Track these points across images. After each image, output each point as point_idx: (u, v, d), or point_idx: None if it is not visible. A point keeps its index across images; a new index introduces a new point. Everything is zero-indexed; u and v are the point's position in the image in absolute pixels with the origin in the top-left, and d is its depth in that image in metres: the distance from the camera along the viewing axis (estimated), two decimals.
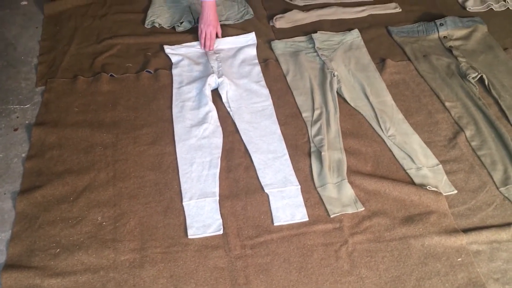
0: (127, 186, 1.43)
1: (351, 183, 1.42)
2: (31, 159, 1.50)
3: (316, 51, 1.86)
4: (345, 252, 1.27)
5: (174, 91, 1.73)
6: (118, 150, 1.53)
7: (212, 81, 1.72)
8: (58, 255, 1.27)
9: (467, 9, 2.11)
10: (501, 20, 2.05)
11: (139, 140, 1.57)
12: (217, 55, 1.86)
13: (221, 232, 1.32)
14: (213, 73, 1.74)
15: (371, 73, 1.78)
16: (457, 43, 1.91)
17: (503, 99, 1.67)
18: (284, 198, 1.40)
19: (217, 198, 1.40)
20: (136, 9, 2.13)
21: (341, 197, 1.39)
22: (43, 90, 1.74)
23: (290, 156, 1.51)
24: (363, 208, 1.37)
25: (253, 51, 1.90)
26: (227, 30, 1.97)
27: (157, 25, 2.03)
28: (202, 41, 1.88)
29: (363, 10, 2.11)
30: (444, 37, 1.93)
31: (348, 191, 1.40)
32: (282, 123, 1.62)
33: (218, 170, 1.47)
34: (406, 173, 1.46)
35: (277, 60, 1.86)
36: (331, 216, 1.35)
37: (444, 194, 1.39)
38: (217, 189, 1.42)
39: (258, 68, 1.82)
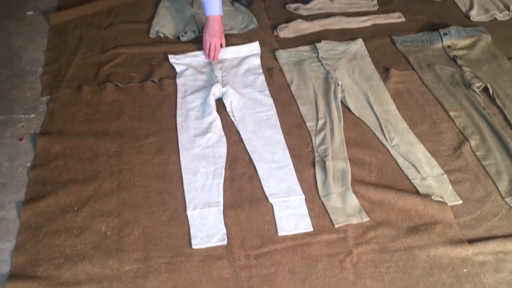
0: (131, 196, 1.43)
1: (355, 193, 1.42)
2: (36, 168, 1.51)
3: (320, 61, 1.86)
4: (349, 263, 1.27)
5: (179, 100, 1.73)
6: (123, 160, 1.53)
7: (216, 91, 1.72)
8: (62, 265, 1.27)
9: (471, 18, 2.12)
10: (505, 29, 2.05)
11: (143, 149, 1.57)
12: (221, 64, 1.87)
13: (225, 242, 1.32)
14: (217, 82, 1.75)
15: (375, 83, 1.78)
16: (461, 52, 1.91)
17: (507, 108, 1.67)
18: (288, 208, 1.40)
19: (221, 207, 1.40)
20: (141, 19, 2.14)
21: (346, 207, 1.39)
22: (48, 100, 1.75)
23: (294, 166, 1.51)
24: (368, 218, 1.36)
25: (257, 61, 1.90)
26: (231, 40, 1.98)
27: (161, 35, 2.04)
28: (207, 51, 1.89)
29: (367, 20, 2.11)
30: (448, 46, 1.94)
31: (353, 201, 1.40)
32: (286, 132, 1.62)
33: (222, 180, 1.47)
34: (411, 183, 1.46)
35: (281, 70, 1.87)
36: (336, 226, 1.35)
37: (449, 204, 1.39)
38: (221, 199, 1.42)
39: (262, 78, 1.83)
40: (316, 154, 1.54)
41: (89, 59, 1.93)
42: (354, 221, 1.35)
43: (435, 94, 1.75)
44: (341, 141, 1.57)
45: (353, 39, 1.98)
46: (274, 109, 1.70)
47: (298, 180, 1.47)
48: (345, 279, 1.24)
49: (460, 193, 1.43)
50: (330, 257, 1.28)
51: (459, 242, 1.29)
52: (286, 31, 2.05)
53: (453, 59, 1.88)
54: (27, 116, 1.70)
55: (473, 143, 1.56)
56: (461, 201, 1.40)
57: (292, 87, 1.78)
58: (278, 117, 1.67)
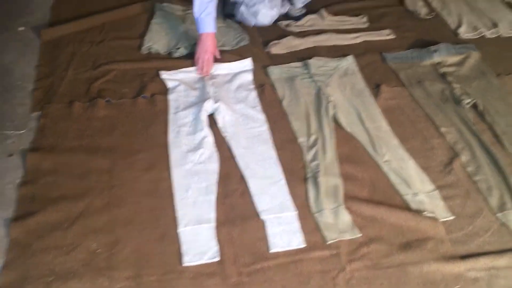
0: (122, 213, 1.42)
1: (347, 208, 1.42)
2: (26, 185, 1.49)
3: (311, 77, 1.87)
4: (342, 279, 1.26)
5: (170, 116, 1.73)
6: (114, 176, 1.52)
7: (209, 106, 1.73)
8: (51, 283, 1.24)
9: (460, 36, 2.15)
10: (493, 47, 2.08)
11: (135, 165, 1.56)
12: (213, 80, 1.87)
13: (217, 259, 1.31)
14: (209, 98, 1.75)
15: (367, 99, 1.80)
16: (450, 69, 1.93)
17: (497, 124, 1.69)
18: (280, 224, 1.39)
19: (214, 224, 1.39)
20: (133, 35, 2.15)
21: (338, 223, 1.39)
22: (39, 115, 1.74)
23: (286, 181, 1.51)
24: (361, 234, 1.36)
25: (249, 77, 1.91)
26: (223, 56, 1.98)
27: (153, 50, 2.04)
28: (199, 66, 1.89)
29: (358, 37, 2.13)
30: (437, 63, 1.96)
31: (345, 217, 1.40)
32: (279, 148, 1.62)
33: (214, 196, 1.46)
34: (403, 198, 1.46)
35: (273, 85, 1.87)
36: (328, 243, 1.34)
37: (441, 220, 1.39)
38: (213, 215, 1.41)
39: (254, 93, 1.83)
40: (308, 170, 1.54)
41: (80, 75, 1.93)
42: (347, 237, 1.35)
43: (426, 110, 1.76)
44: (333, 157, 1.57)
45: (345, 55, 2.00)
46: (266, 124, 1.70)
47: (291, 196, 1.47)
48: None
49: (451, 209, 1.43)
50: (322, 274, 1.27)
51: (451, 258, 1.29)
52: (278, 48, 2.07)
53: (443, 76, 1.90)
54: (17, 132, 1.69)
55: (463, 158, 1.58)
56: (453, 217, 1.41)
57: (284, 103, 1.79)
58: (271, 132, 1.68)
